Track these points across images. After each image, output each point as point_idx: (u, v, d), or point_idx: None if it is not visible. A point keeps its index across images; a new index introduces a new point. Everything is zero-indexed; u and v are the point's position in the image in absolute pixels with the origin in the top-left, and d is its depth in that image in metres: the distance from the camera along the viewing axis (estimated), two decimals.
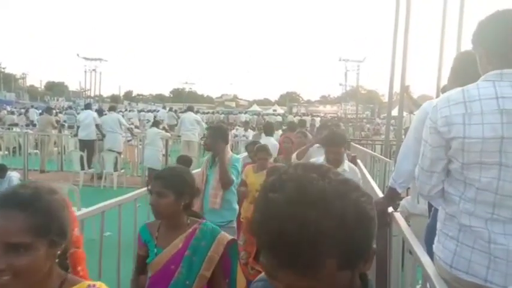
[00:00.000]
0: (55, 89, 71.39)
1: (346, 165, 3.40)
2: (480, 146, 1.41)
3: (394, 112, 8.79)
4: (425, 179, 1.61)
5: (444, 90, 2.25)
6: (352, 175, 3.23)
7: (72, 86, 70.95)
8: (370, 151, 9.17)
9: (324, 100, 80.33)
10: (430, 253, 1.73)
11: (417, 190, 1.72)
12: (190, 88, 67.57)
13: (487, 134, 1.39)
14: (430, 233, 2.14)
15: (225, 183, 3.62)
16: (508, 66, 1.46)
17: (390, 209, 2.39)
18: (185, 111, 11.96)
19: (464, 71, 2.03)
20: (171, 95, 78.29)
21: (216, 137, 3.73)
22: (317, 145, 4.68)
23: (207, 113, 37.96)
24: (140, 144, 10.43)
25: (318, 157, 3.61)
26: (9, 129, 14.44)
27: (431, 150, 1.55)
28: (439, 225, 1.62)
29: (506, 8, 1.52)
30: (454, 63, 2.23)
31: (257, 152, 4.37)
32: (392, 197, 2.35)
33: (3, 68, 60.25)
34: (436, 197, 1.66)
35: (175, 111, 26.43)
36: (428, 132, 1.55)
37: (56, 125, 12.86)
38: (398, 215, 2.29)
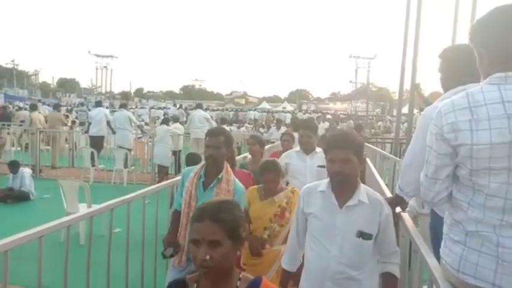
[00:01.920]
0: (67, 85, 72.17)
1: (364, 193, 2.03)
2: (488, 152, 1.38)
3: (405, 110, 8.71)
4: (429, 185, 1.59)
5: (446, 88, 2.15)
6: (373, 212, 2.02)
7: (84, 83, 71.92)
8: (380, 149, 9.12)
9: (334, 97, 79.80)
10: (437, 252, 1.71)
11: (421, 196, 1.69)
12: (200, 85, 67.76)
13: (495, 140, 1.37)
14: (433, 230, 2.12)
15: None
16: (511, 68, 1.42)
17: (398, 209, 2.38)
18: (194, 108, 12.07)
19: (462, 70, 1.99)
20: (181, 92, 78.61)
21: (224, 146, 2.79)
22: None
23: (217, 110, 38.07)
24: (150, 141, 10.53)
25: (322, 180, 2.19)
26: (21, 125, 14.64)
27: (436, 157, 1.52)
28: (445, 229, 1.60)
29: (506, 4, 1.44)
30: (446, 61, 2.14)
31: (263, 171, 3.20)
32: (400, 203, 2.33)
33: (17, 65, 61.16)
34: (440, 204, 1.63)
35: (185, 108, 26.61)
36: (434, 139, 1.52)
37: (65, 121, 13.02)
38: (405, 216, 2.28)
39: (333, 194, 2.06)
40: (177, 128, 10.48)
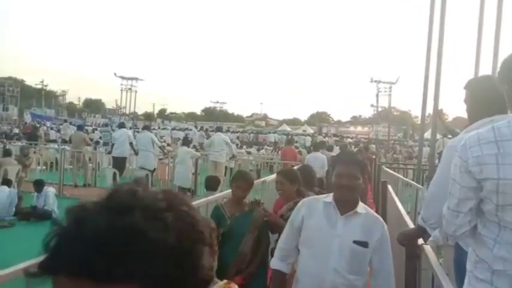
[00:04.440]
0: (92, 106, 74.15)
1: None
2: None
3: (427, 135, 8.56)
4: (451, 218, 1.56)
5: (472, 119, 2.14)
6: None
7: (109, 104, 73.64)
8: (402, 176, 8.95)
9: (355, 121, 79.24)
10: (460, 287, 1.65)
11: (443, 229, 1.65)
12: (221, 107, 68.46)
13: None
14: (457, 264, 2.05)
15: None
16: None
17: (420, 241, 2.31)
18: (215, 131, 12.24)
19: (488, 101, 1.99)
20: (203, 114, 79.65)
21: None
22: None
23: (237, 132, 38.32)
24: (171, 163, 10.64)
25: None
26: (46, 145, 15.11)
27: (460, 190, 1.50)
28: (469, 266, 1.55)
29: None
30: (472, 92, 2.14)
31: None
32: (422, 234, 2.27)
33: (45, 86, 63.60)
34: (462, 238, 1.60)
35: (206, 130, 26.96)
36: (458, 171, 1.50)
37: (89, 142, 13.35)
38: (428, 248, 2.21)
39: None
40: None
